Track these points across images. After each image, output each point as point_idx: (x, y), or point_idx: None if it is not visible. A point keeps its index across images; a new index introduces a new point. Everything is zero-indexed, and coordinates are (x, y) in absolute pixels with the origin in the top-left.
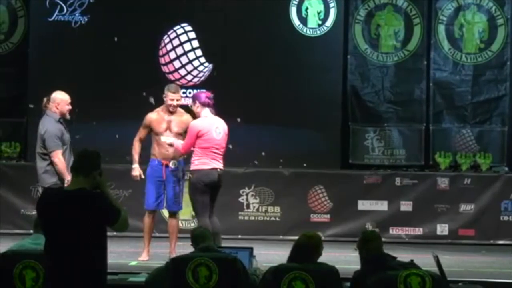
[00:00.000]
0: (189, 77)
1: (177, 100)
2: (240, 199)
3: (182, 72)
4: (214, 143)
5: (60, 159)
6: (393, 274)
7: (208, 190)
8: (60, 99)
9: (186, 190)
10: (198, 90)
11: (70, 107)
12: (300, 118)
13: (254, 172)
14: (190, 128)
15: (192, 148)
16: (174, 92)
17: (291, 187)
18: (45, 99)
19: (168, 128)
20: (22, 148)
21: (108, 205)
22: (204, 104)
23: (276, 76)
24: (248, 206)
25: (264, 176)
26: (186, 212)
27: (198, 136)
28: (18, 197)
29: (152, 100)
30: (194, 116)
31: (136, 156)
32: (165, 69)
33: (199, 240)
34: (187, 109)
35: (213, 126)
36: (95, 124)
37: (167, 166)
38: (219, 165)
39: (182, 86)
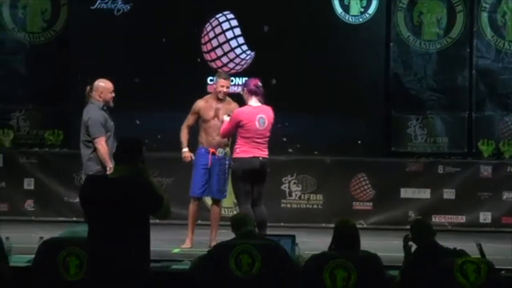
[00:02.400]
0: (231, 65)
1: (227, 87)
2: (282, 187)
3: (224, 59)
4: (256, 133)
5: (103, 145)
6: (448, 262)
7: (249, 178)
8: (103, 87)
9: (230, 178)
10: (248, 78)
11: (113, 94)
12: (342, 105)
13: (296, 160)
14: (233, 115)
15: (237, 138)
16: (225, 79)
17: (333, 175)
18: (88, 88)
19: (216, 116)
20: (65, 136)
21: (151, 192)
22: (251, 92)
23: (318, 64)
24: (290, 194)
25: (306, 164)
26: (229, 201)
27: (239, 126)
28: (61, 184)
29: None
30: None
31: (185, 141)
32: (207, 57)
33: (240, 224)
34: (235, 97)
35: (257, 116)
36: (137, 112)
37: (213, 154)
38: (260, 153)
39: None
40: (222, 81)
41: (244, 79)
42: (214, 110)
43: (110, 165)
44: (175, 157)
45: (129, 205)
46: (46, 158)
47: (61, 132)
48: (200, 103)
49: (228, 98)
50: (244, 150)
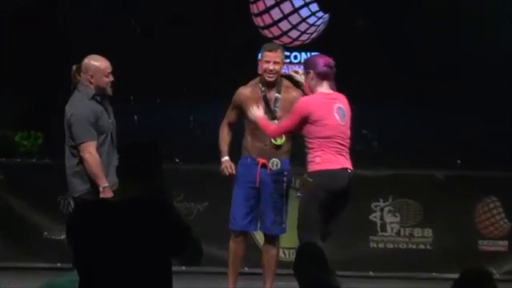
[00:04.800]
0: (294, 34)
1: (276, 62)
2: (371, 217)
3: (284, 26)
4: (338, 131)
5: (92, 154)
6: None
7: (331, 203)
8: (96, 68)
9: (292, 204)
10: (313, 55)
11: (110, 78)
12: (460, 97)
13: (392, 176)
14: (297, 106)
15: (308, 140)
16: (271, 50)
17: (448, 198)
18: (74, 68)
19: (266, 112)
20: (46, 139)
21: (174, 224)
22: (321, 75)
23: (425, 37)
24: (383, 227)
25: (408, 182)
26: (290, 238)
27: (309, 121)
28: (40, 213)
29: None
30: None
31: (225, 147)
32: (258, 21)
33: (310, 265)
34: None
35: (334, 106)
36: (149, 104)
37: (264, 166)
38: (348, 163)
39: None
40: (267, 54)
41: (313, 54)
42: (263, 102)
43: (103, 183)
44: (209, 172)
45: (142, 244)
46: (17, 172)
47: (40, 134)
48: (242, 93)
49: (286, 82)
50: (328, 159)
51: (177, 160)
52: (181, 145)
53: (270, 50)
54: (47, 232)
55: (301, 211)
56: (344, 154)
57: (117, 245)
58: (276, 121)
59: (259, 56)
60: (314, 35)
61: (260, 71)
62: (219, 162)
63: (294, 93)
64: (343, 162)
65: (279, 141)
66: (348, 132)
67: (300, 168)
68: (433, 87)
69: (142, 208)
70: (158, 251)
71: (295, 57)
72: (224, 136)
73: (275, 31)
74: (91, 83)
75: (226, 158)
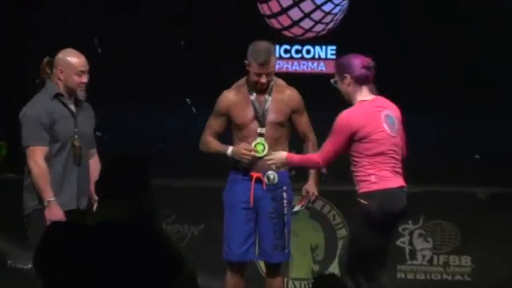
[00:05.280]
0: (306, 23)
1: (267, 74)
2: (399, 243)
3: (295, 14)
4: (390, 143)
5: (38, 162)
6: None
7: (388, 227)
8: (66, 63)
9: (301, 226)
10: (326, 48)
11: (84, 79)
12: (500, 107)
13: (423, 193)
14: (338, 123)
15: (355, 159)
16: (262, 64)
17: (491, 220)
18: (45, 60)
19: (256, 117)
20: (11, 149)
21: (164, 251)
22: (360, 79)
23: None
24: (413, 254)
25: (442, 201)
26: (302, 266)
27: (355, 139)
28: (3, 238)
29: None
30: (306, 89)
31: (220, 145)
32: (264, 9)
33: None
34: (288, 79)
35: (381, 114)
36: (136, 108)
37: (259, 181)
38: (403, 180)
39: (292, 41)
40: (255, 67)
41: (330, 49)
42: (252, 107)
43: (48, 197)
44: (207, 189)
45: (123, 276)
46: None
47: (3, 143)
48: (227, 97)
49: (279, 81)
50: (385, 177)
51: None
52: (175, 157)
53: (261, 64)
54: (12, 261)
55: (354, 242)
56: (398, 169)
57: (94, 277)
58: (264, 129)
59: (248, 59)
60: (330, 25)
61: (250, 78)
62: (218, 176)
63: (288, 91)
64: (400, 179)
65: (261, 152)
66: (401, 143)
67: (297, 184)
68: (471, 95)
69: (124, 233)
70: (145, 283)
71: (308, 52)
72: (213, 140)
73: (284, 20)
74: (60, 80)
75: (230, 148)
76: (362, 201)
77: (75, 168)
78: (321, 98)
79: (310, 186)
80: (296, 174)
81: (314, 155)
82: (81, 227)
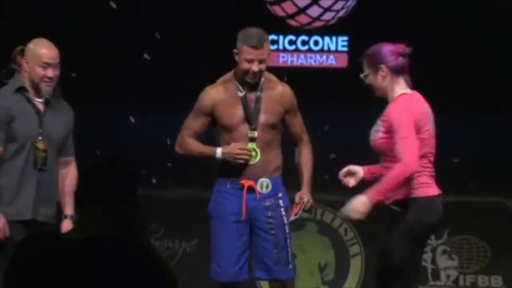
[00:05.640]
0: (314, 11)
1: (261, 61)
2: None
3: (301, 0)
4: (431, 145)
5: None
6: None
7: (423, 241)
8: (32, 53)
9: (302, 240)
10: (336, 39)
11: (48, 73)
12: None
13: (447, 204)
14: (403, 117)
15: (394, 160)
16: (255, 46)
17: None
18: (16, 50)
19: (246, 118)
20: None
21: (152, 269)
22: (397, 69)
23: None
24: (436, 274)
25: (469, 213)
26: (309, 286)
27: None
28: None
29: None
30: (300, 88)
31: (204, 146)
32: None
33: None
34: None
35: (427, 110)
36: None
37: (251, 190)
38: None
39: (298, 31)
40: (248, 50)
41: (341, 40)
42: (242, 105)
43: None
44: (200, 199)
45: None
46: None
47: None
48: (211, 94)
49: (270, 76)
50: (426, 183)
51: (153, 181)
52: (163, 164)
53: (253, 46)
54: None
55: (396, 256)
56: (433, 175)
57: None
58: (255, 133)
59: (237, 47)
60: (341, 13)
61: (239, 68)
62: (212, 185)
63: (280, 87)
64: (436, 186)
65: (255, 158)
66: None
67: (292, 192)
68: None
69: (109, 250)
70: None
71: (316, 43)
72: (194, 142)
73: (288, 7)
74: (25, 71)
75: (219, 150)
76: (397, 208)
77: (35, 173)
78: (331, 95)
79: (304, 193)
80: (291, 180)
81: (397, 168)
82: (61, 243)
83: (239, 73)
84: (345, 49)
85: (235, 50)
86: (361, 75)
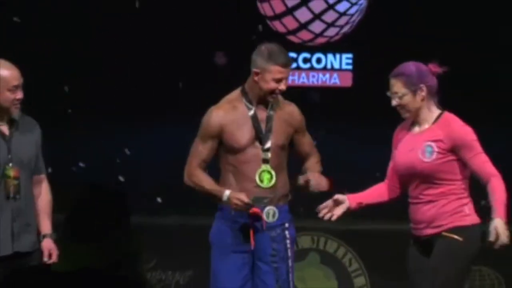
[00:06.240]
0: (317, 27)
1: (286, 78)
2: None
3: (303, 15)
4: None
5: None
6: None
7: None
8: None
9: (304, 271)
10: (340, 56)
11: (18, 95)
12: None
13: None
14: (471, 133)
15: (450, 182)
16: (285, 64)
17: None
18: None
19: (258, 138)
20: None
21: None
22: (433, 90)
23: None
24: None
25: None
26: None
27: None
28: None
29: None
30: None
31: (213, 184)
32: (265, 9)
33: None
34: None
35: None
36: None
37: (257, 218)
38: None
39: (300, 48)
40: (279, 70)
41: (345, 57)
42: (253, 126)
43: None
44: (195, 227)
45: None
46: None
47: None
48: (219, 115)
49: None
50: (474, 208)
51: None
52: (155, 189)
53: (284, 65)
54: None
55: (454, 281)
56: None
57: None
58: (269, 154)
59: (261, 66)
60: (346, 28)
61: (262, 88)
62: (208, 212)
63: (288, 106)
64: None
65: (267, 182)
66: None
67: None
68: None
69: (98, 282)
70: None
71: (318, 61)
72: (202, 175)
73: (289, 23)
74: None
75: (227, 192)
76: (456, 237)
77: (8, 204)
78: (335, 116)
79: (311, 174)
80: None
81: (497, 182)
82: (50, 276)
83: (256, 92)
84: (350, 67)
85: (256, 70)
86: (393, 94)
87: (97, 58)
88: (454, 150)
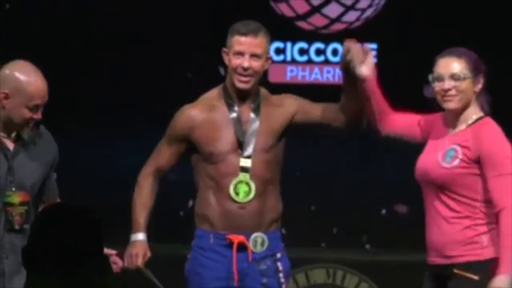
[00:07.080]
0: (333, 10)
1: (255, 55)
2: None
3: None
4: None
5: None
6: None
7: None
8: (16, 88)
9: None
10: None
11: (36, 115)
12: None
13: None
14: (503, 154)
15: (472, 203)
16: (247, 34)
17: None
18: None
19: (239, 144)
20: None
21: None
22: (484, 86)
23: None
24: None
25: None
26: None
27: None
28: None
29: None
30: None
31: (142, 214)
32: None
33: None
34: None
35: None
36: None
37: (242, 248)
38: None
39: (312, 37)
40: (239, 41)
41: (368, 47)
42: (233, 128)
43: None
44: (172, 256)
45: None
46: None
47: None
48: (191, 115)
49: (264, 91)
50: (496, 239)
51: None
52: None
53: (244, 34)
54: None
55: None
56: None
57: None
58: (249, 161)
59: (227, 45)
60: (368, 12)
61: (229, 70)
62: (181, 242)
63: (277, 98)
64: None
65: (243, 196)
66: None
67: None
68: None
69: None
70: None
71: (334, 52)
72: (145, 194)
73: (299, 6)
74: (4, 106)
75: (140, 237)
76: (470, 275)
77: (7, 237)
78: None
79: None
80: (292, 237)
81: (506, 218)
82: None
83: (230, 82)
84: (374, 60)
85: (224, 49)
86: (451, 75)
87: (97, 58)
88: (479, 162)
